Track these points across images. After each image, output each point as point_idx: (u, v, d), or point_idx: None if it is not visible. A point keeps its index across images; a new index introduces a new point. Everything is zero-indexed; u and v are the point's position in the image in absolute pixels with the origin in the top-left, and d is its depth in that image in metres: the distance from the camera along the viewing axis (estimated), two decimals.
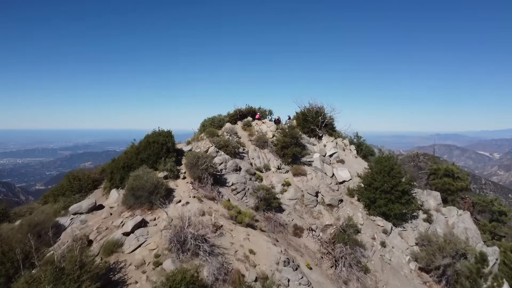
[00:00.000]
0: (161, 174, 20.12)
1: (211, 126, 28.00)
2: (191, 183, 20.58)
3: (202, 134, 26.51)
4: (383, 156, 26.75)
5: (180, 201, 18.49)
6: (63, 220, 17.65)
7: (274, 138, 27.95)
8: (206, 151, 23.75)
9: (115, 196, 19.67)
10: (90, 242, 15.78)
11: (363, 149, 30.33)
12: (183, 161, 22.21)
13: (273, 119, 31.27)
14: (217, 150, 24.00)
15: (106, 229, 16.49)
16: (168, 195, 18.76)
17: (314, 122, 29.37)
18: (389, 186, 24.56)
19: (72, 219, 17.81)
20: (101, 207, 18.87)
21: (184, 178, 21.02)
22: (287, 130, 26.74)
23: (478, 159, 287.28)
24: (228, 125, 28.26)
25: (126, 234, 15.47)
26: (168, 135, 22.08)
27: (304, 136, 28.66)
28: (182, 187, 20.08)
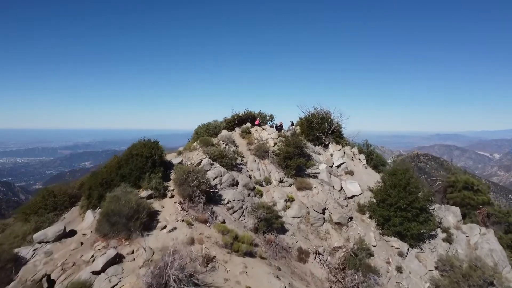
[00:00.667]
0: (144, 193, 17.12)
1: (205, 134, 24.98)
2: (180, 203, 17.59)
3: (195, 143, 23.52)
4: (398, 167, 23.70)
5: (165, 226, 15.51)
6: (25, 251, 14.63)
7: (276, 147, 24.94)
8: (199, 163, 20.76)
9: (90, 219, 16.67)
10: (52, 283, 12.84)
11: (373, 159, 27.29)
12: (172, 175, 19.25)
13: (275, 125, 28.25)
14: (212, 162, 21.01)
15: (73, 265, 13.48)
16: (151, 218, 15.79)
17: (320, 129, 26.35)
18: (405, 203, 21.57)
19: (35, 249, 14.80)
20: (72, 233, 15.87)
21: (172, 196, 18.02)
22: (290, 139, 23.70)
23: (478, 160, 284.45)
24: (224, 132, 25.24)
25: (96, 273, 12.49)
26: (154, 146, 19.06)
27: (308, 144, 25.63)
28: (169, 208, 17.08)
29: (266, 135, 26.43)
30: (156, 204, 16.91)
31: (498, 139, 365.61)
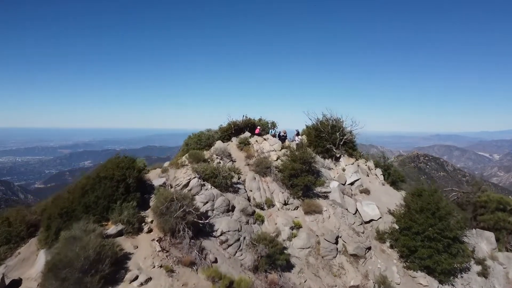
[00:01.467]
0: (112, 230, 13.22)
1: (196, 146, 21.02)
2: (160, 239, 13.70)
3: (184, 157, 19.62)
4: (423, 187, 19.84)
5: (136, 277, 11.61)
6: None
7: (279, 161, 21.04)
8: (186, 184, 16.86)
9: (41, 262, 12.75)
10: None
11: (391, 174, 23.37)
12: (152, 202, 15.38)
13: (278, 134, 24.33)
14: (202, 182, 17.11)
15: None
16: (119, 266, 11.88)
17: (330, 140, 22.42)
18: (435, 232, 17.72)
19: None
20: (15, 285, 12.02)
21: (150, 231, 14.13)
22: (296, 152, 19.76)
23: (478, 160, 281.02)
24: (219, 144, 21.26)
25: None
26: (129, 165, 15.13)
27: (317, 158, 21.70)
28: (145, 249, 13.18)
29: (268, 146, 22.49)
30: (127, 244, 13.01)
31: (497, 140, 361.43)
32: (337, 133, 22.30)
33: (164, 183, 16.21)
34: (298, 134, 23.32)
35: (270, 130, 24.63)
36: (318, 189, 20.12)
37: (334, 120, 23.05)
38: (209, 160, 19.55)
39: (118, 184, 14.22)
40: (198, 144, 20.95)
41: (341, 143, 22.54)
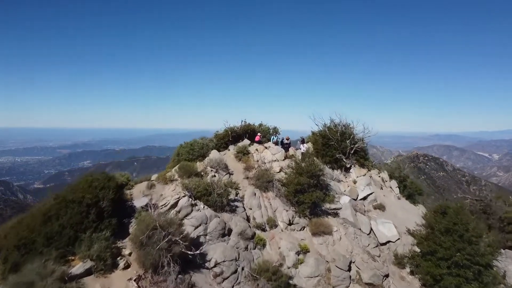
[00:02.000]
0: (78, 268, 10.58)
1: (188, 156, 18.34)
2: (138, 278, 11.09)
3: (173, 170, 16.99)
4: (447, 203, 17.22)
5: None
6: None
7: (283, 173, 18.40)
8: (175, 204, 14.25)
9: None
10: None
11: (407, 186, 20.72)
12: (132, 229, 12.75)
13: (280, 141, 21.68)
14: (193, 202, 14.50)
15: None
16: None
17: (340, 148, 19.78)
18: (464, 258, 15.10)
19: None
20: None
21: (128, 266, 11.51)
22: (303, 164, 17.09)
23: (477, 160, 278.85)
24: (214, 154, 18.58)
25: None
26: (104, 184, 12.48)
27: (326, 169, 19.04)
28: None
29: (270, 156, 19.84)
30: (96, 286, 10.39)
31: (497, 140, 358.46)
32: (347, 141, 19.65)
33: (147, 204, 13.53)
34: (303, 141, 20.60)
35: (272, 137, 21.94)
36: (327, 205, 17.49)
37: (343, 126, 20.40)
38: (202, 173, 16.90)
39: (88, 209, 11.57)
40: (190, 154, 18.29)
41: (352, 152, 19.89)
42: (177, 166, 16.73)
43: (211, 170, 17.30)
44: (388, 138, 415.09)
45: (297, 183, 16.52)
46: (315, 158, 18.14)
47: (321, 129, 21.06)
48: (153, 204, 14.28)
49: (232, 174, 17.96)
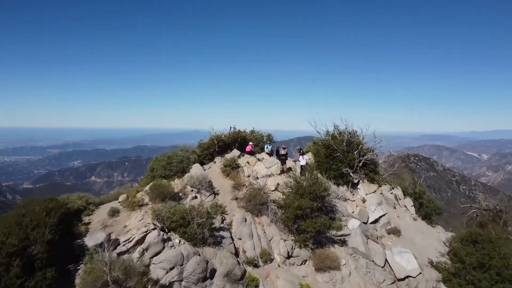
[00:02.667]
0: None
1: (165, 172, 14.84)
2: None
3: (144, 190, 13.56)
4: (476, 229, 14.19)
5: None
6: None
7: (279, 193, 15.08)
8: (141, 240, 10.86)
9: None
10: None
11: (424, 204, 17.61)
12: (78, 278, 9.32)
13: (275, 150, 18.39)
14: (166, 236, 11.12)
15: None
16: None
17: (346, 161, 16.57)
18: None
19: None
20: None
21: None
22: (304, 183, 13.80)
23: (467, 160, 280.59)
24: (196, 169, 15.14)
25: None
26: (40, 221, 9.02)
27: (331, 186, 15.75)
28: None
29: (263, 170, 16.50)
30: None
31: (486, 140, 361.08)
32: (355, 152, 16.45)
33: (102, 243, 10.07)
34: (302, 153, 17.12)
35: (266, 146, 18.58)
36: (333, 232, 14.25)
37: (350, 133, 17.18)
38: (180, 194, 13.50)
39: (9, 260, 8.12)
40: (167, 169, 14.80)
41: (360, 164, 16.71)
42: (149, 186, 13.28)
43: (192, 191, 13.91)
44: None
45: (297, 207, 13.25)
46: (318, 175, 14.86)
47: (323, 137, 17.75)
48: (113, 241, 10.86)
49: (217, 194, 14.58)
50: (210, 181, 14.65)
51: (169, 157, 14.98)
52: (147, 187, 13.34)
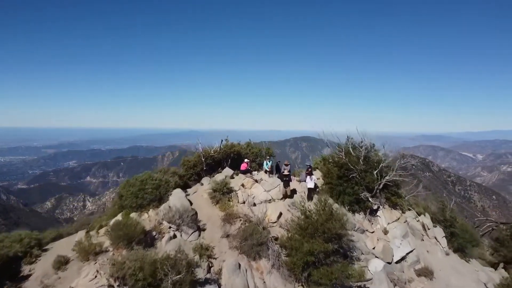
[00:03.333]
0: None
1: (136, 201, 11.28)
2: None
3: (103, 230, 10.17)
4: None
5: None
6: None
7: (281, 227, 11.76)
8: None
9: None
10: None
11: (456, 234, 14.16)
12: None
13: (275, 166, 15.05)
14: None
15: None
16: None
17: (364, 182, 13.24)
18: None
19: None
20: None
21: None
22: (315, 217, 10.47)
23: (462, 160, 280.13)
24: (175, 198, 11.63)
25: None
26: None
27: (348, 216, 12.36)
28: None
29: (262, 193, 13.15)
30: None
31: (481, 140, 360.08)
32: (375, 172, 13.16)
33: None
34: (310, 172, 13.56)
35: (265, 162, 15.16)
36: (352, 278, 10.95)
37: (366, 148, 13.85)
38: (154, 233, 10.12)
39: None
40: (139, 197, 11.30)
41: (380, 187, 13.42)
42: (111, 224, 9.88)
43: (170, 227, 10.54)
44: (375, 138, 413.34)
45: (307, 252, 9.93)
46: (334, 204, 11.52)
47: (335, 152, 14.31)
48: None
49: (203, 230, 11.20)
50: (194, 213, 11.26)
51: (142, 181, 11.55)
52: (108, 227, 9.93)
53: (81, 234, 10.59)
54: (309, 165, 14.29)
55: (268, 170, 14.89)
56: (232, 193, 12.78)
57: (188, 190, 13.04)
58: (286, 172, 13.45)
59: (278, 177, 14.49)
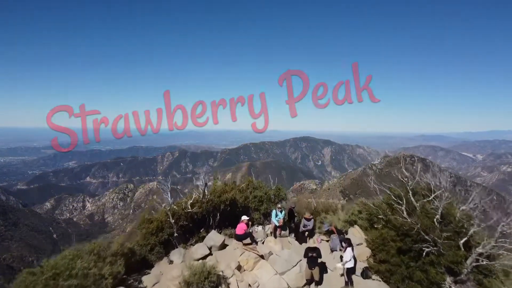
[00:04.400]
0: None
1: None
2: None
3: None
4: None
5: None
6: None
7: None
8: None
9: None
10: None
11: None
12: None
13: (290, 213, 9.28)
14: None
15: None
16: None
17: (444, 261, 7.23)
18: None
19: None
20: None
21: None
22: None
23: (462, 160, 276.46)
24: None
25: None
26: None
27: None
28: None
29: (272, 280, 7.42)
30: None
31: (481, 141, 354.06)
32: (460, 242, 7.36)
33: None
34: (349, 243, 7.26)
35: (275, 212, 9.05)
36: None
37: (446, 198, 7.89)
38: None
39: None
40: None
41: (470, 268, 7.66)
42: None
43: None
44: (375, 139, 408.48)
45: None
46: None
47: (388, 201, 8.28)
48: None
49: None
50: None
51: (68, 266, 5.64)
52: None
53: None
54: (344, 233, 8.21)
55: (279, 225, 9.15)
56: (221, 283, 7.06)
57: (145, 275, 7.29)
58: (312, 236, 7.64)
59: (294, 236, 8.77)
